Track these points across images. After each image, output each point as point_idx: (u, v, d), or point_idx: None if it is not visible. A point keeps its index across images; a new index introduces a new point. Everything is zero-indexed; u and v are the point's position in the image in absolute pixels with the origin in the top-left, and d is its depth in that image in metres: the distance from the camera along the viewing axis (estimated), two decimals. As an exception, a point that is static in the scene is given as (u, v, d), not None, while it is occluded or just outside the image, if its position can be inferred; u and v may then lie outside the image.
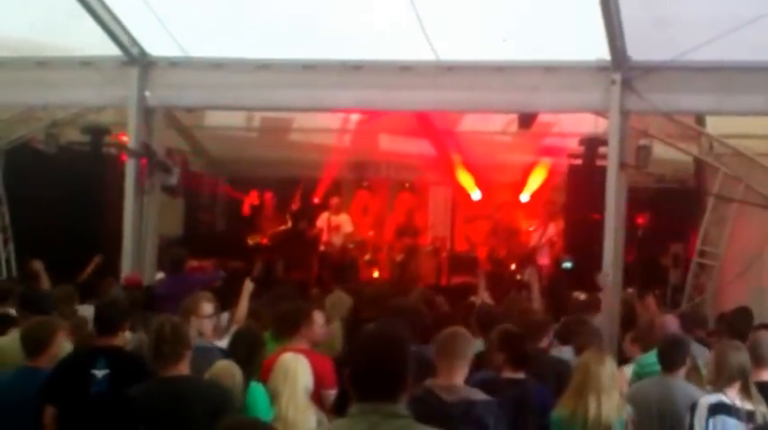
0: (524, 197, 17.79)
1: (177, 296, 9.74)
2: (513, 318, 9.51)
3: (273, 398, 7.68)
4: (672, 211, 15.62)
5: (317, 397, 8.07)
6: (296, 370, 7.85)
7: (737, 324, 10.02)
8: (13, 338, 8.61)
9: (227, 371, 7.48)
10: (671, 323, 9.67)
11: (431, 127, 16.93)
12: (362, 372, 4.71)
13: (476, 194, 18.60)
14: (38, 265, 13.28)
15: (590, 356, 7.56)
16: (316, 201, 19.18)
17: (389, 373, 4.68)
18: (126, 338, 8.23)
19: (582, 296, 13.41)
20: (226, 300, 10.29)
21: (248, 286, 10.64)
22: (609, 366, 7.40)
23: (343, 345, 9.68)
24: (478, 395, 6.69)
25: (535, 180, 17.51)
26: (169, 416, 6.84)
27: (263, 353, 7.97)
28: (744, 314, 10.48)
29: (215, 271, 14.80)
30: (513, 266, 17.08)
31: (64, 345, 8.18)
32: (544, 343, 9.26)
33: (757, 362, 7.57)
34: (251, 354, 7.76)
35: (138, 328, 9.31)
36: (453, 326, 7.45)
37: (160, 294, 11.63)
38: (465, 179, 18.35)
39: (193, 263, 15.19)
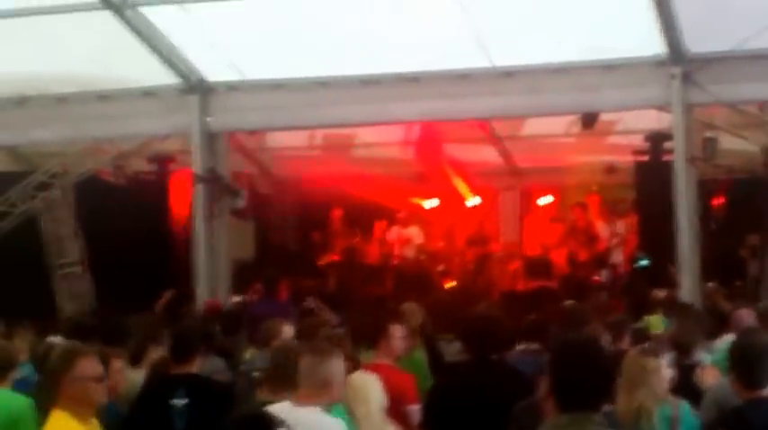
0: (592, 198, 17.82)
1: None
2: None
3: (351, 418, 7.76)
4: (745, 202, 15.47)
5: (398, 414, 7.97)
6: (366, 389, 7.71)
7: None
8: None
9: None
10: (747, 317, 9.37)
11: (492, 134, 17.01)
12: (570, 382, 4.68)
13: (543, 199, 18.68)
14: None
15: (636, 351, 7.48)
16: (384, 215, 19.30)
17: (597, 383, 4.71)
18: (199, 364, 8.16)
19: (661, 293, 13.39)
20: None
21: (313, 302, 10.64)
22: (653, 361, 7.06)
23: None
24: None
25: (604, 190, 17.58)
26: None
27: None
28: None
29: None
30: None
31: (127, 375, 8.20)
32: (625, 343, 9.26)
33: None
34: None
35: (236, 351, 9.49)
36: None
37: (256, 316, 11.68)
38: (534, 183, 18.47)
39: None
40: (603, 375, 4.79)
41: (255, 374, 7.86)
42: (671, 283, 12.96)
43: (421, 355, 9.50)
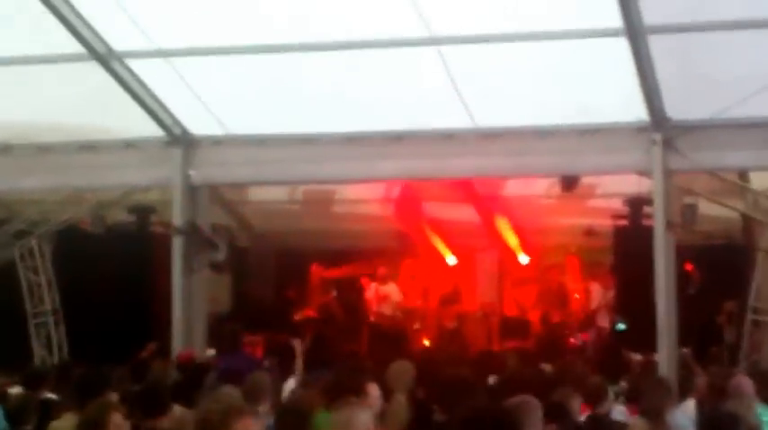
0: (571, 260, 17.93)
1: (238, 372, 9.92)
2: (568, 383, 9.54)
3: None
4: (723, 268, 15.64)
5: None
6: None
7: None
8: (68, 422, 8.64)
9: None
10: (746, 384, 9.37)
11: (474, 192, 17.10)
12: None
13: (523, 258, 18.76)
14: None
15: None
16: (362, 271, 19.34)
17: None
18: (175, 417, 8.22)
19: (637, 357, 13.47)
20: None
21: (298, 362, 10.72)
22: None
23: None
24: None
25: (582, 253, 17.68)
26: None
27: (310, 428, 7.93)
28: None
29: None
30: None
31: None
32: (604, 407, 9.29)
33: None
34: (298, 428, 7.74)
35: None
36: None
37: (221, 371, 11.71)
38: (512, 243, 18.51)
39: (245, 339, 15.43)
40: None
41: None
42: (649, 348, 12.99)
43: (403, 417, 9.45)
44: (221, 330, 15.32)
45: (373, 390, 8.65)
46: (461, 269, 19.47)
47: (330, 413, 8.68)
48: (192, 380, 10.69)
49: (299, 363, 10.77)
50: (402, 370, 9.89)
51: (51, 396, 10.60)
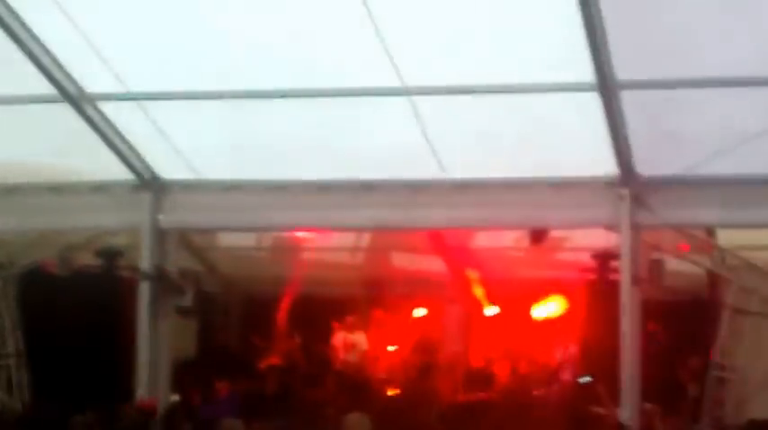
0: (539, 313, 17.89)
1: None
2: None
3: None
4: (688, 324, 15.65)
5: None
6: None
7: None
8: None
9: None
10: None
11: (443, 244, 17.06)
12: None
13: (490, 310, 18.70)
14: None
15: None
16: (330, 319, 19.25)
17: None
18: None
19: (601, 411, 13.40)
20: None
21: None
22: None
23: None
24: None
25: (551, 303, 17.65)
26: None
27: None
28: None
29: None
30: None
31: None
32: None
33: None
34: None
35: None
36: None
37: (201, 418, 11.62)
38: (479, 295, 18.45)
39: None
40: None
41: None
42: (611, 402, 12.94)
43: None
44: (196, 378, 15.22)
45: None
46: (430, 319, 19.39)
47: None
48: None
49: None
50: (358, 422, 10.07)
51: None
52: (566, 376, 16.69)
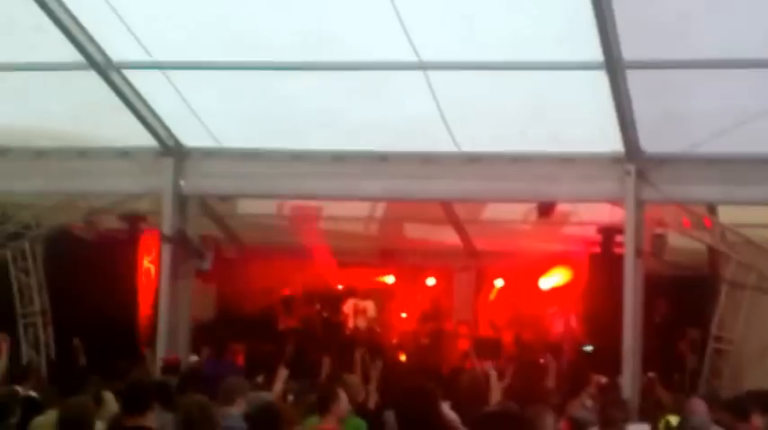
0: (545, 285, 17.97)
1: (220, 379, 9.96)
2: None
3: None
4: (688, 298, 15.72)
5: None
6: None
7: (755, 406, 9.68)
8: (48, 418, 8.70)
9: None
10: (698, 406, 9.62)
11: (455, 215, 17.12)
12: None
13: (498, 281, 18.81)
14: (76, 344, 13.60)
15: None
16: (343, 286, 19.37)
17: None
18: (153, 418, 8.10)
19: (602, 379, 13.46)
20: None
21: (282, 373, 10.76)
22: None
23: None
24: None
25: (557, 274, 17.72)
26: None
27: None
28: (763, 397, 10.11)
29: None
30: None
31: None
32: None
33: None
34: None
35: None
36: None
37: (206, 376, 11.72)
38: (488, 266, 18.56)
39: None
40: None
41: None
42: (614, 371, 13.01)
43: (356, 420, 9.50)
44: (208, 337, 15.33)
45: (344, 397, 9.03)
46: (440, 289, 19.48)
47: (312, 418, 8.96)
48: (179, 384, 10.65)
49: (281, 373, 10.79)
50: (353, 384, 10.10)
51: (34, 394, 10.55)
52: (567, 345, 16.77)
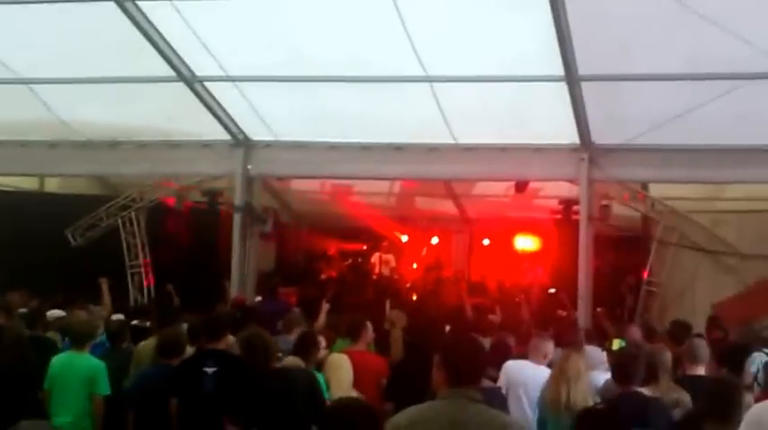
0: (520, 244, 18.05)
1: (273, 314, 10.05)
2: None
3: (327, 384, 7.79)
4: (627, 253, 15.74)
5: (375, 385, 8.32)
6: (339, 365, 8.04)
7: (678, 333, 9.67)
8: (151, 342, 8.71)
9: (295, 363, 7.65)
10: (635, 333, 9.66)
11: (453, 191, 17.14)
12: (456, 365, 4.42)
13: (486, 241, 18.86)
14: (170, 288, 13.71)
15: (562, 354, 7.42)
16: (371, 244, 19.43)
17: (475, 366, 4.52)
18: (228, 342, 8.11)
19: (563, 313, 13.52)
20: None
21: (325, 306, 10.90)
22: (574, 362, 7.07)
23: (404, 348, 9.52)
24: None
25: (529, 236, 17.81)
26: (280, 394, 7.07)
27: (317, 350, 7.98)
28: (683, 326, 10.07)
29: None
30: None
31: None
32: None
33: (693, 360, 7.47)
34: (308, 352, 7.81)
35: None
36: None
37: (261, 312, 11.81)
38: (479, 230, 18.61)
39: (282, 290, 15.48)
40: (480, 361, 4.61)
41: (280, 355, 7.90)
42: (572, 306, 13.06)
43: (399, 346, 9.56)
44: (266, 283, 15.40)
45: (370, 327, 9.07)
46: (441, 246, 19.52)
47: (343, 340, 9.01)
48: (243, 317, 10.74)
49: (324, 308, 10.91)
50: (398, 315, 10.24)
51: (140, 324, 10.64)
52: (537, 289, 16.79)
